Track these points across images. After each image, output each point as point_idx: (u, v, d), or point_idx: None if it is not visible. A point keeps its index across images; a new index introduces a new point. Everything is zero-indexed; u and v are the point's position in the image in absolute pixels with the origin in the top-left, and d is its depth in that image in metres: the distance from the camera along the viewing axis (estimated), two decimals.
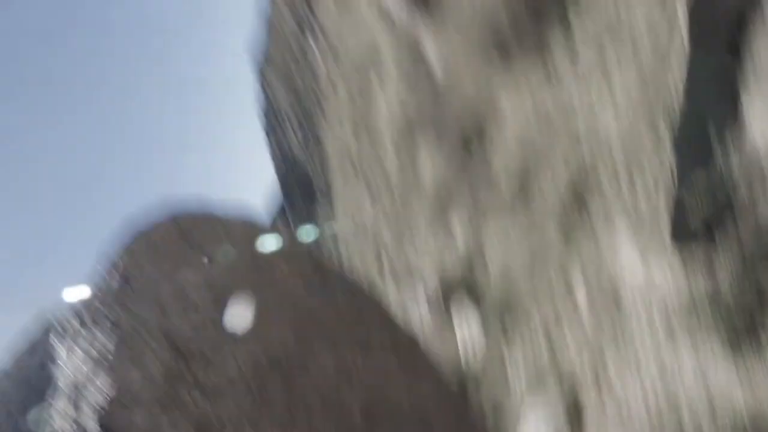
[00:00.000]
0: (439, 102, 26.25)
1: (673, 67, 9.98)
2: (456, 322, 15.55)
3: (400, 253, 30.25)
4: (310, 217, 56.77)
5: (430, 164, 26.24)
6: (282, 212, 60.44)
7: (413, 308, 19.58)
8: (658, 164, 9.68)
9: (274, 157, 68.81)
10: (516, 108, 16.42)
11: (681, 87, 9.42)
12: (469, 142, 21.37)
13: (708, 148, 8.25)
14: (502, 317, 13.22)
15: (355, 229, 41.64)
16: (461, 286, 16.81)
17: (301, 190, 57.57)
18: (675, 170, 8.66)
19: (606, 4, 12.05)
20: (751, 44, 8.42)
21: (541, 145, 14.04)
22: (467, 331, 14.99)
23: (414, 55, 31.66)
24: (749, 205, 7.89)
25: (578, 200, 11.45)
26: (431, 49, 26.89)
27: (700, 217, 7.88)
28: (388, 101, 36.55)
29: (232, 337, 3.45)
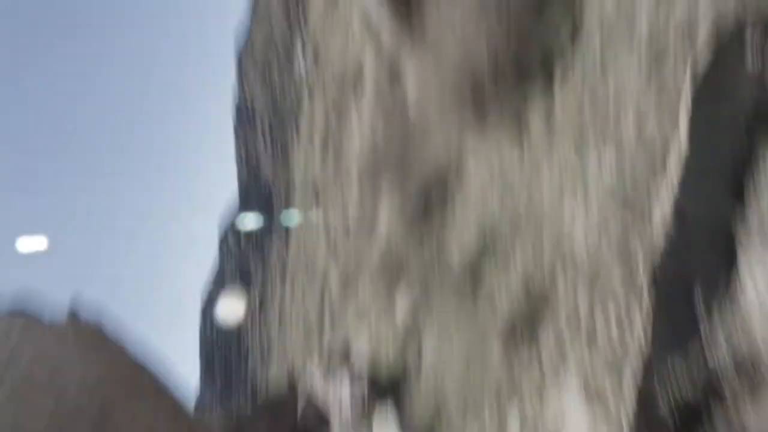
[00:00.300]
0: (408, 143, 24.66)
1: (659, 173, 8.38)
2: (376, 424, 13.78)
3: (342, 310, 28.35)
4: (263, 232, 54.17)
5: (387, 217, 24.46)
6: (236, 219, 57.82)
7: (336, 392, 17.60)
8: (625, 303, 7.95)
9: (239, 160, 66.02)
10: (481, 173, 14.73)
11: (667, 214, 7.72)
12: (429, 195, 19.58)
13: (691, 316, 6.57)
14: None
15: (305, 266, 39.36)
16: (390, 384, 15.00)
17: (260, 201, 55.08)
18: (647, 332, 6.92)
19: (593, 74, 10.47)
20: (757, 191, 6.85)
21: (501, 223, 12.41)
22: None
23: (393, 84, 30.16)
24: (732, 403, 6.20)
25: (530, 313, 9.66)
26: (410, 83, 25.35)
27: (669, 407, 6.20)
28: (361, 129, 34.86)
29: None
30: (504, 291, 10.17)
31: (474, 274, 11.70)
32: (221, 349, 48.95)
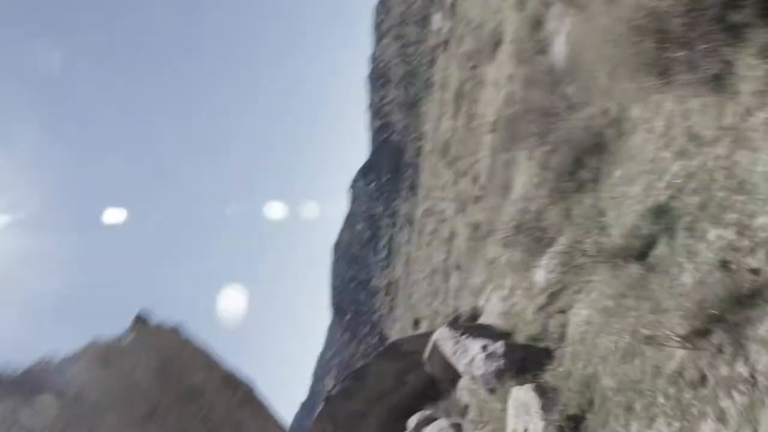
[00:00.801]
0: (554, 101, 22.45)
1: None
2: (512, 407, 12.58)
3: (470, 270, 27.33)
4: (390, 190, 54.55)
5: (525, 179, 22.78)
6: (365, 176, 58.81)
7: (467, 350, 16.65)
8: None
9: (371, 119, 66.77)
10: (654, 128, 12.70)
11: None
12: (580, 157, 17.43)
13: None
14: (575, 425, 10.15)
15: (434, 223, 38.81)
16: (529, 352, 13.94)
17: (389, 160, 55.26)
18: None
19: None
20: None
21: (683, 188, 10.59)
22: (522, 417, 12.09)
23: (536, 38, 27.73)
24: None
25: (730, 296, 7.93)
26: (561, 36, 22.98)
27: None
28: (498, 84, 32.81)
29: None
30: (691, 268, 8.65)
31: (644, 247, 10.27)
32: (350, 292, 50.68)
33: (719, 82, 10.00)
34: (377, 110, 56.94)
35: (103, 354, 5.77)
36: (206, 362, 7.42)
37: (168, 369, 6.07)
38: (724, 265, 8.07)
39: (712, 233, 8.62)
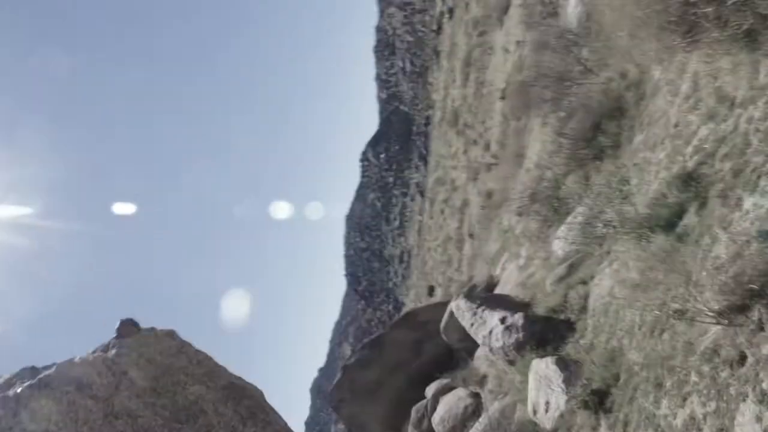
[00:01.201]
0: (568, 56, 21.39)
1: None
2: (533, 380, 12.13)
3: (484, 238, 26.82)
4: (401, 160, 53.66)
5: (540, 146, 21.97)
6: (374, 147, 57.87)
7: (486, 339, 16.03)
8: None
9: (379, 90, 65.32)
10: (675, 91, 11.96)
11: None
12: (597, 122, 16.37)
13: None
14: (599, 399, 9.74)
15: (445, 191, 38.04)
16: (549, 323, 13.45)
17: (399, 130, 54.28)
18: None
19: None
20: None
21: (714, 152, 9.91)
22: (544, 390, 11.72)
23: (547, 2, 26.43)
24: None
25: None
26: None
27: None
28: (507, 50, 31.69)
29: None
30: (725, 238, 8.05)
31: (671, 216, 9.68)
32: (364, 262, 50.75)
33: (752, 38, 9.23)
34: (385, 81, 55.89)
35: (81, 372, 5.27)
36: (206, 371, 6.95)
37: (161, 383, 5.62)
38: (763, 236, 7.48)
39: (749, 202, 8.00)
